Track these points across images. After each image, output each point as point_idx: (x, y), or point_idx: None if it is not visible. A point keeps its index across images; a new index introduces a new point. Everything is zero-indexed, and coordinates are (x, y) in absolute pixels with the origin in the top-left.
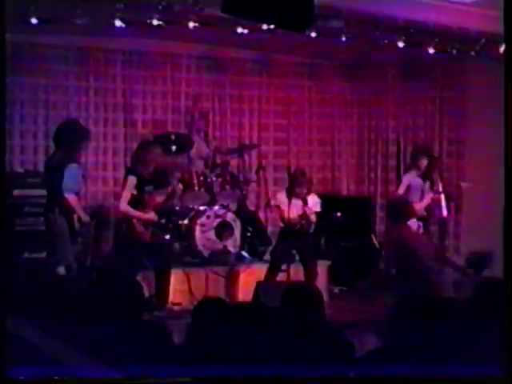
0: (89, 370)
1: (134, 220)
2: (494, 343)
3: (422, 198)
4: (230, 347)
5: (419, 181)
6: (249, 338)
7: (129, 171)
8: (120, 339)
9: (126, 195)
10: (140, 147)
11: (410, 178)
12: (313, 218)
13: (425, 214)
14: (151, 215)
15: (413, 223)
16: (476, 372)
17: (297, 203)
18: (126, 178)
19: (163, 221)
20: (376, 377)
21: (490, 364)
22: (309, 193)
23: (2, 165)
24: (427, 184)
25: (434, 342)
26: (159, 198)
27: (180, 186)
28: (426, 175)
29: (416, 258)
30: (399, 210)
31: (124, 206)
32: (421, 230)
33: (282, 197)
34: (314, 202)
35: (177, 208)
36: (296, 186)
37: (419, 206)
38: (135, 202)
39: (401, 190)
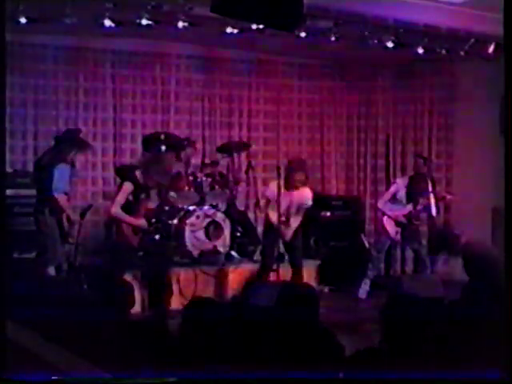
0: (78, 369)
1: (124, 224)
2: (493, 345)
3: (405, 206)
4: (220, 347)
5: (405, 190)
6: (238, 337)
7: (127, 177)
8: (110, 339)
9: (120, 199)
10: (152, 158)
11: (398, 187)
12: (301, 212)
13: (404, 220)
14: (142, 222)
15: (391, 228)
16: (475, 374)
17: (287, 195)
18: (121, 183)
19: (153, 225)
20: (366, 378)
21: (490, 366)
22: (306, 181)
23: (2, 165)
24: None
25: (429, 343)
26: (151, 204)
27: (173, 193)
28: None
29: None
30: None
31: (116, 209)
32: (398, 236)
33: (274, 187)
34: (306, 196)
35: (166, 208)
36: (295, 172)
37: (400, 213)
38: (128, 207)
39: (387, 197)
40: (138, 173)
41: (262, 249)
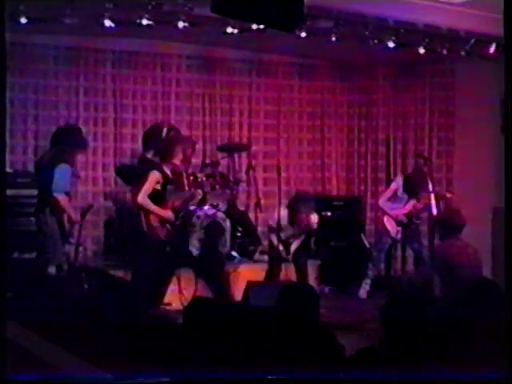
0: (78, 370)
1: (151, 216)
2: (492, 345)
3: (405, 204)
4: (220, 347)
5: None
6: (239, 337)
7: (153, 166)
8: (110, 339)
9: (147, 188)
10: (171, 144)
11: (397, 184)
12: (305, 231)
13: (405, 220)
14: (169, 213)
15: (392, 227)
16: (475, 374)
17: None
18: (148, 172)
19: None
20: (366, 378)
21: (490, 366)
22: (310, 214)
23: (2, 165)
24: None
25: (429, 343)
26: (178, 201)
27: (200, 191)
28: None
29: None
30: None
31: (142, 198)
32: (399, 235)
33: (276, 216)
34: (312, 222)
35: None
36: (301, 211)
37: (401, 212)
38: (155, 198)
39: (387, 195)
40: (164, 166)
41: (268, 260)
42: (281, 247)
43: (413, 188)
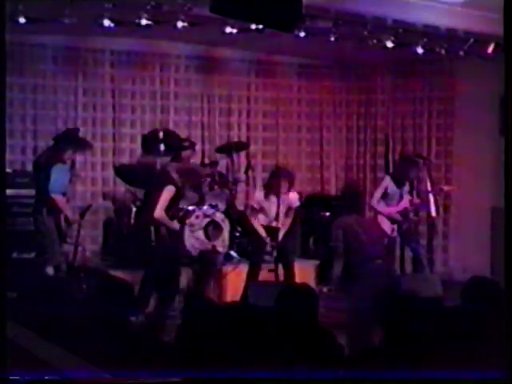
0: (78, 370)
1: (162, 228)
2: (492, 345)
3: (399, 201)
4: (219, 347)
5: (395, 185)
6: (238, 338)
7: (169, 181)
8: (109, 339)
9: (164, 203)
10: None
11: (387, 183)
12: (290, 214)
13: (399, 217)
14: (176, 224)
15: (387, 226)
16: (475, 374)
17: (275, 200)
18: (162, 188)
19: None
20: (366, 378)
21: (490, 366)
22: (290, 188)
23: (1, 165)
24: (405, 188)
25: (429, 343)
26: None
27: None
28: (401, 181)
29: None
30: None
31: (160, 213)
32: (395, 234)
33: (260, 195)
34: (293, 199)
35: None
36: (281, 180)
37: (394, 210)
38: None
39: (378, 193)
40: (174, 175)
41: (250, 250)
42: (266, 235)
43: (402, 175)
